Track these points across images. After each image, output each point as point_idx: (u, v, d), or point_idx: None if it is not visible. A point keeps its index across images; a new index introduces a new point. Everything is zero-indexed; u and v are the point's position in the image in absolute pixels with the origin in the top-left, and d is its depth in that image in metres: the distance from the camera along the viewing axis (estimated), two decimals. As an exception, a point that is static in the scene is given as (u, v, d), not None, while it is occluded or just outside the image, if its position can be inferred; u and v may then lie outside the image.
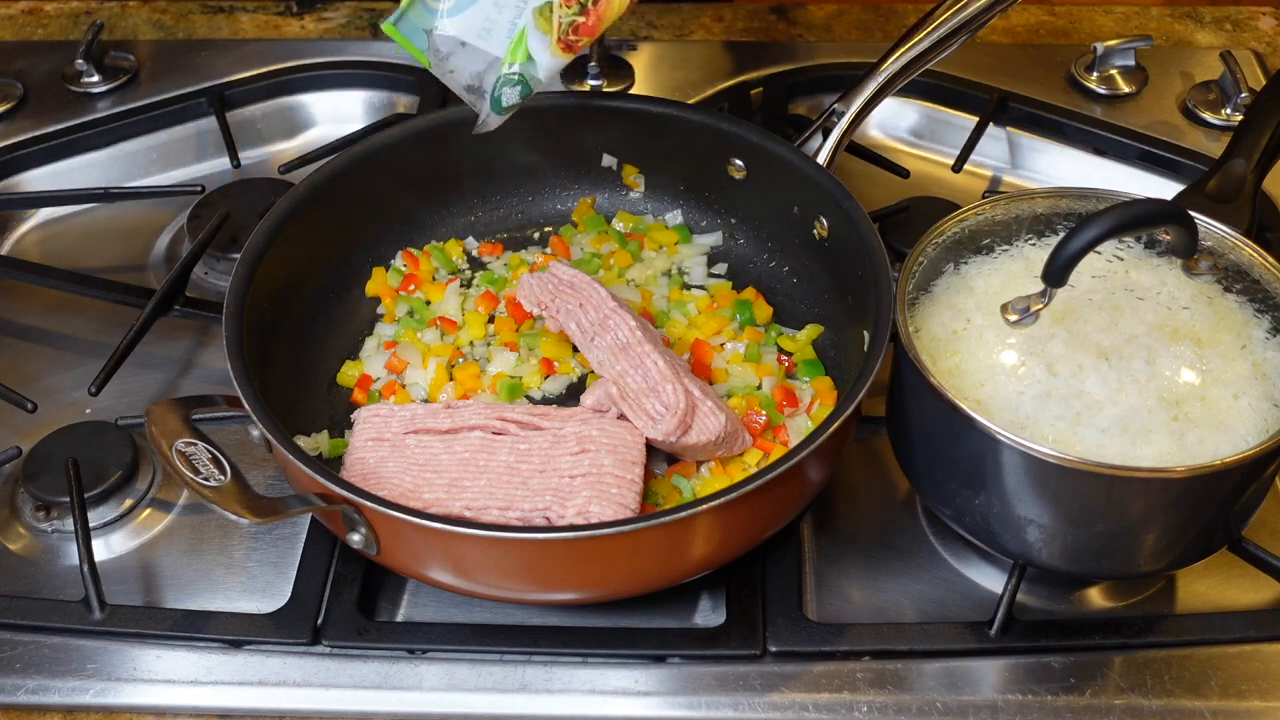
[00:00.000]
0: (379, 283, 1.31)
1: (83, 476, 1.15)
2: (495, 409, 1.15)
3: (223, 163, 1.54)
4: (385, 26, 1.09)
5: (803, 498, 1.09)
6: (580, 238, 1.36)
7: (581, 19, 1.04)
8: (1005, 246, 1.11)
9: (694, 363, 1.22)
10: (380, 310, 1.31)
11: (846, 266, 1.20)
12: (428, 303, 1.30)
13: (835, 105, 1.26)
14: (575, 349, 1.24)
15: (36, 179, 1.52)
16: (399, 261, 1.33)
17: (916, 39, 1.25)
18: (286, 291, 1.22)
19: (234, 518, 0.97)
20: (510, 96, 1.09)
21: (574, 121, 1.34)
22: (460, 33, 1.07)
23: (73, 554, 1.12)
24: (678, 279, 1.32)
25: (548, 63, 1.07)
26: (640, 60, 1.61)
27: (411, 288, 1.31)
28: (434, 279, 1.32)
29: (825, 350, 1.24)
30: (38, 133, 1.54)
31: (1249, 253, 1.08)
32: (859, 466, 1.21)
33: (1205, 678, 1.05)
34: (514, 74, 1.07)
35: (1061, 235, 0.99)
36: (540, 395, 1.23)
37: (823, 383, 1.21)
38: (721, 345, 1.25)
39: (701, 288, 1.32)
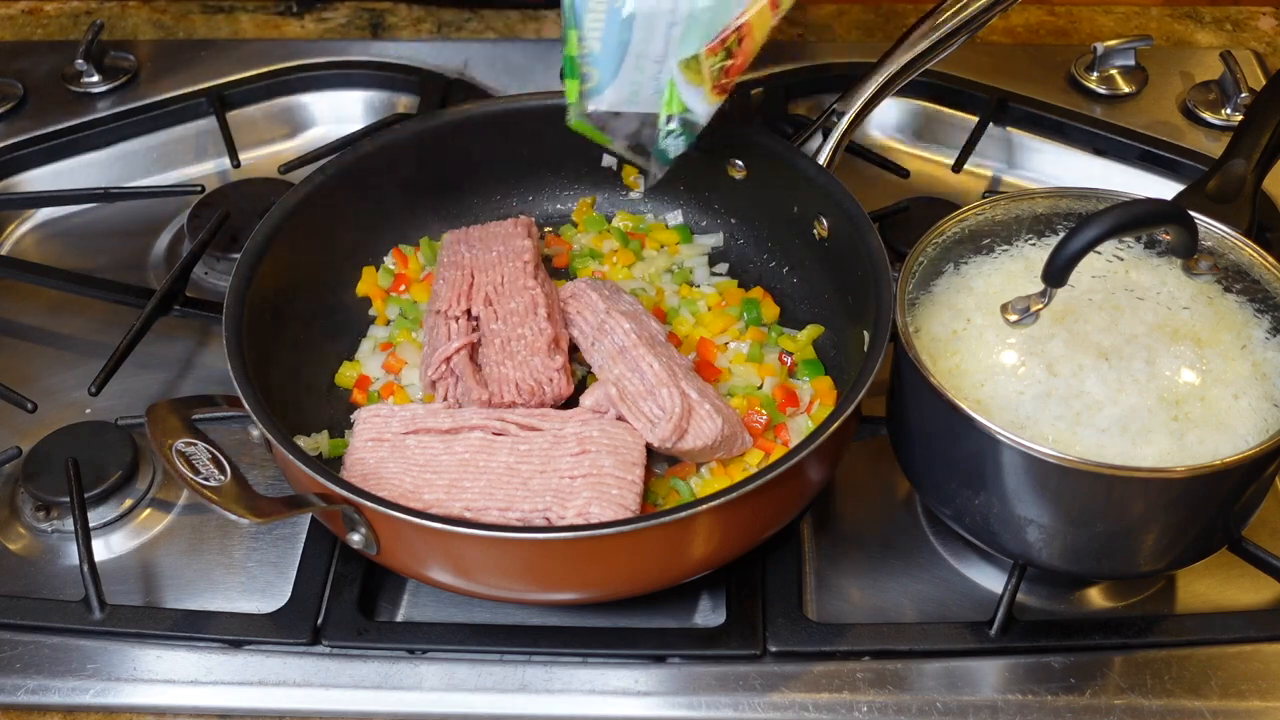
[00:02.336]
0: (369, 283, 1.31)
1: (83, 476, 1.15)
2: (495, 409, 1.15)
3: (223, 163, 1.54)
4: (571, 124, 1.14)
5: (803, 498, 1.09)
6: (580, 237, 1.36)
7: (730, 61, 1.07)
8: (1005, 246, 1.11)
9: (699, 362, 1.22)
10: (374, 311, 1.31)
11: (846, 266, 1.20)
12: (415, 303, 1.30)
13: (835, 105, 1.26)
14: (576, 349, 1.24)
15: (36, 179, 1.52)
16: (390, 260, 1.33)
17: (916, 39, 1.25)
18: (286, 291, 1.22)
19: (234, 518, 0.97)
20: (676, 146, 1.13)
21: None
22: (612, 105, 1.12)
23: (73, 554, 1.12)
24: (682, 275, 1.32)
25: (704, 110, 1.10)
26: (640, 60, 1.61)
27: (401, 288, 1.31)
28: (421, 277, 1.31)
29: (825, 350, 1.24)
30: (38, 133, 1.54)
31: (1249, 253, 1.08)
32: (859, 466, 1.21)
33: (1205, 678, 1.05)
34: (674, 126, 1.11)
35: (1061, 235, 0.99)
36: (540, 395, 1.23)
37: (823, 383, 1.21)
38: (725, 345, 1.25)
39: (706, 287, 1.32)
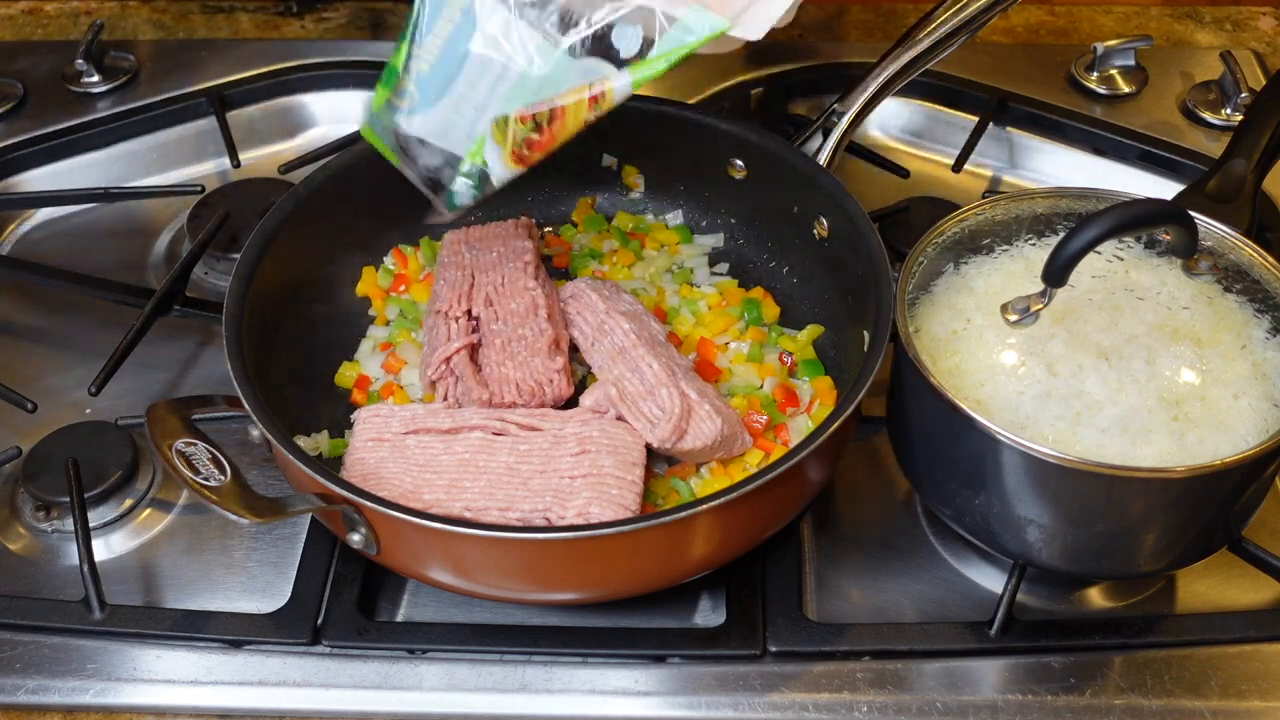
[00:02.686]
0: (369, 283, 1.31)
1: (83, 476, 1.15)
2: (495, 409, 1.15)
3: (223, 163, 1.54)
4: (361, 129, 1.14)
5: (803, 498, 1.09)
6: (580, 237, 1.36)
7: (536, 136, 1.07)
8: (1005, 246, 1.11)
9: (699, 362, 1.22)
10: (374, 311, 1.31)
11: (846, 266, 1.20)
12: (415, 303, 1.30)
13: (835, 105, 1.26)
14: (576, 349, 1.24)
15: (36, 179, 1.52)
16: (390, 261, 1.33)
17: (916, 39, 1.25)
18: (286, 291, 1.22)
19: (234, 518, 0.97)
20: (464, 196, 1.12)
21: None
22: (421, 132, 1.11)
23: (73, 554, 1.12)
24: (682, 275, 1.32)
25: (500, 172, 1.10)
26: (640, 60, 1.61)
27: (401, 288, 1.31)
28: (421, 277, 1.32)
29: (825, 350, 1.24)
30: (38, 133, 1.54)
31: (1249, 253, 1.08)
32: (859, 466, 1.21)
33: (1205, 678, 1.05)
34: (472, 173, 1.10)
35: (1061, 235, 0.99)
36: (540, 395, 1.23)
37: (823, 383, 1.21)
38: (725, 345, 1.25)
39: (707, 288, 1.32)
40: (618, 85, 1.04)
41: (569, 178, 1.39)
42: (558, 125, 1.06)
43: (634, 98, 1.39)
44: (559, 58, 1.05)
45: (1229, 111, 1.52)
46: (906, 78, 1.26)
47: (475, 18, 1.07)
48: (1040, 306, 0.99)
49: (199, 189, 1.46)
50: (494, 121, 1.08)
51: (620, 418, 1.13)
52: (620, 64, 1.04)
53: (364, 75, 1.60)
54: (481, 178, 1.10)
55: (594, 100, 1.05)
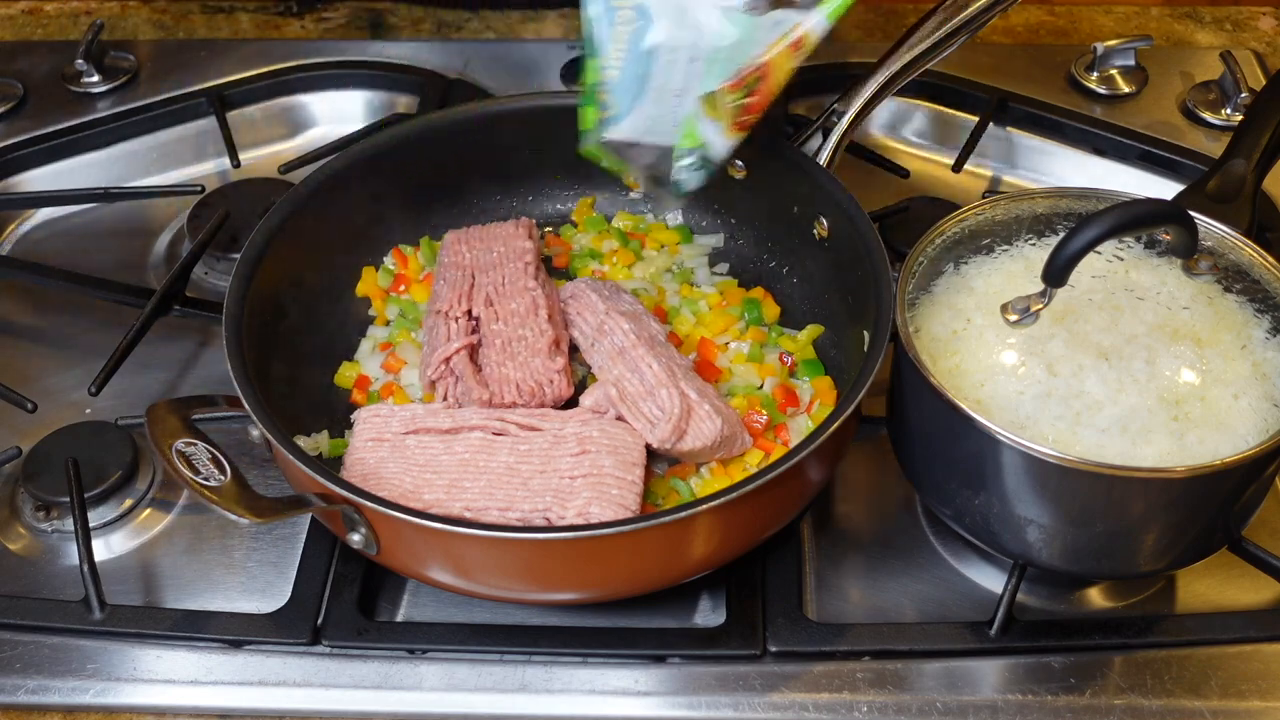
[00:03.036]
0: (369, 283, 1.31)
1: (83, 476, 1.15)
2: (495, 409, 1.15)
3: (223, 163, 1.54)
4: (583, 151, 1.15)
5: (803, 498, 1.09)
6: (580, 237, 1.36)
7: (749, 99, 1.07)
8: (1005, 246, 1.11)
9: (700, 362, 1.22)
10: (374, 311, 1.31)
11: (846, 266, 1.20)
12: (415, 303, 1.30)
13: (835, 105, 1.26)
14: (576, 349, 1.24)
15: (36, 179, 1.52)
16: (390, 261, 1.33)
17: (917, 39, 1.25)
18: (287, 291, 1.22)
19: (234, 518, 0.97)
20: (691, 180, 1.13)
21: (574, 121, 1.34)
22: (628, 135, 1.12)
23: (73, 554, 1.12)
24: (683, 274, 1.32)
25: (721, 145, 1.10)
26: (640, 60, 1.61)
27: (401, 288, 1.31)
28: (421, 277, 1.32)
29: (825, 350, 1.24)
30: (38, 133, 1.54)
31: (1249, 253, 1.08)
32: (859, 466, 1.21)
33: (1205, 678, 1.05)
34: (691, 160, 1.11)
35: (1061, 235, 0.99)
36: (540, 395, 1.23)
37: (823, 383, 1.21)
38: (726, 345, 1.25)
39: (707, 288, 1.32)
40: (813, 24, 1.04)
41: (569, 178, 1.39)
42: (768, 83, 1.06)
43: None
44: (742, 20, 1.04)
45: (1229, 111, 1.52)
46: (906, 78, 1.26)
47: (649, 12, 1.07)
48: (1040, 306, 0.99)
49: (199, 189, 1.46)
50: (703, 98, 1.07)
51: (620, 418, 1.13)
52: (807, 4, 1.03)
53: (364, 75, 1.60)
54: (702, 157, 1.11)
55: (794, 46, 1.04)
